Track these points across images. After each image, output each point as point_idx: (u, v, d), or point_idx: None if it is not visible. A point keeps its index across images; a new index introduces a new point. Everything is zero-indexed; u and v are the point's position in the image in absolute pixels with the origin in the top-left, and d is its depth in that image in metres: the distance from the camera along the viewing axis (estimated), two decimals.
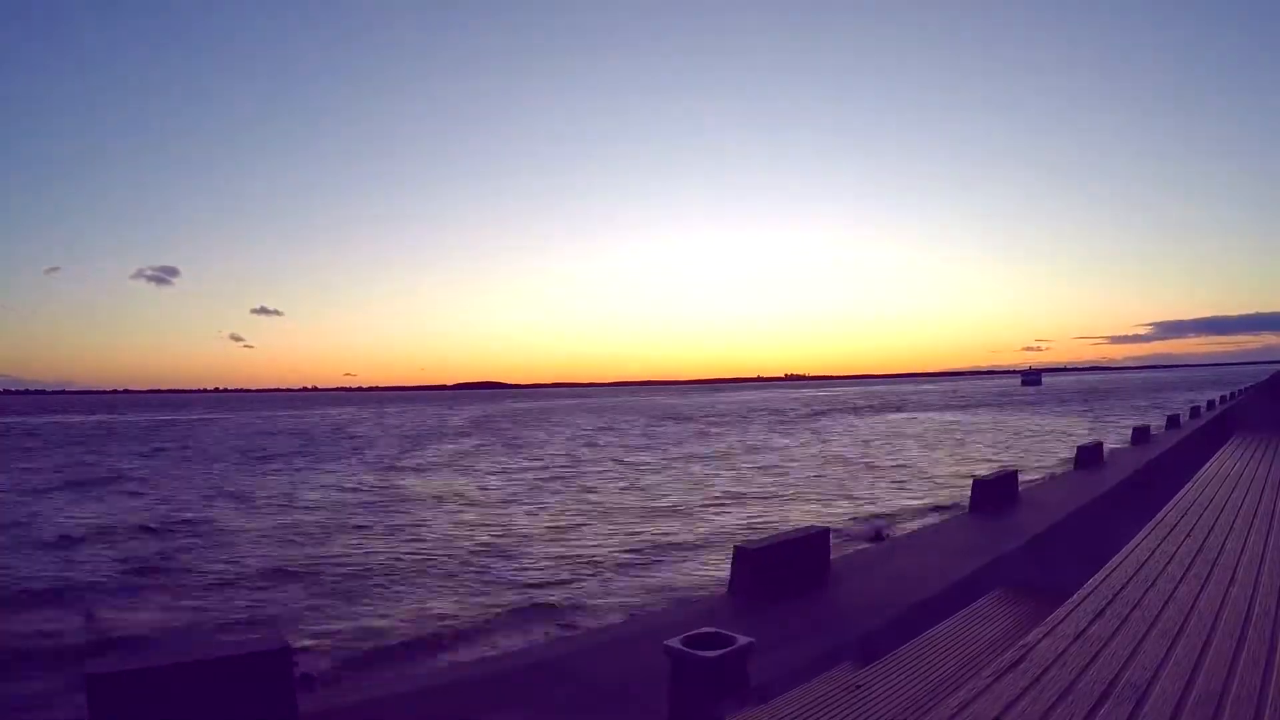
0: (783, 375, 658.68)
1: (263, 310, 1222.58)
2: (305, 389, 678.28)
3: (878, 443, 37.79)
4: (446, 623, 9.86)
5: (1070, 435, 36.92)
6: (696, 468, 28.54)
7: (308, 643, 9.00)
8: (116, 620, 10.30)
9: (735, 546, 8.52)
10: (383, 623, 9.90)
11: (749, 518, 17.57)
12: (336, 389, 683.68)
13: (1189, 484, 8.25)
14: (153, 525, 17.58)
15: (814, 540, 8.81)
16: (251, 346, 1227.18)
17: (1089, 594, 4.17)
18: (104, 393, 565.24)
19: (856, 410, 74.58)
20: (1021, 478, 14.60)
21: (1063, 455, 26.28)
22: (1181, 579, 4.46)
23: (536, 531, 16.37)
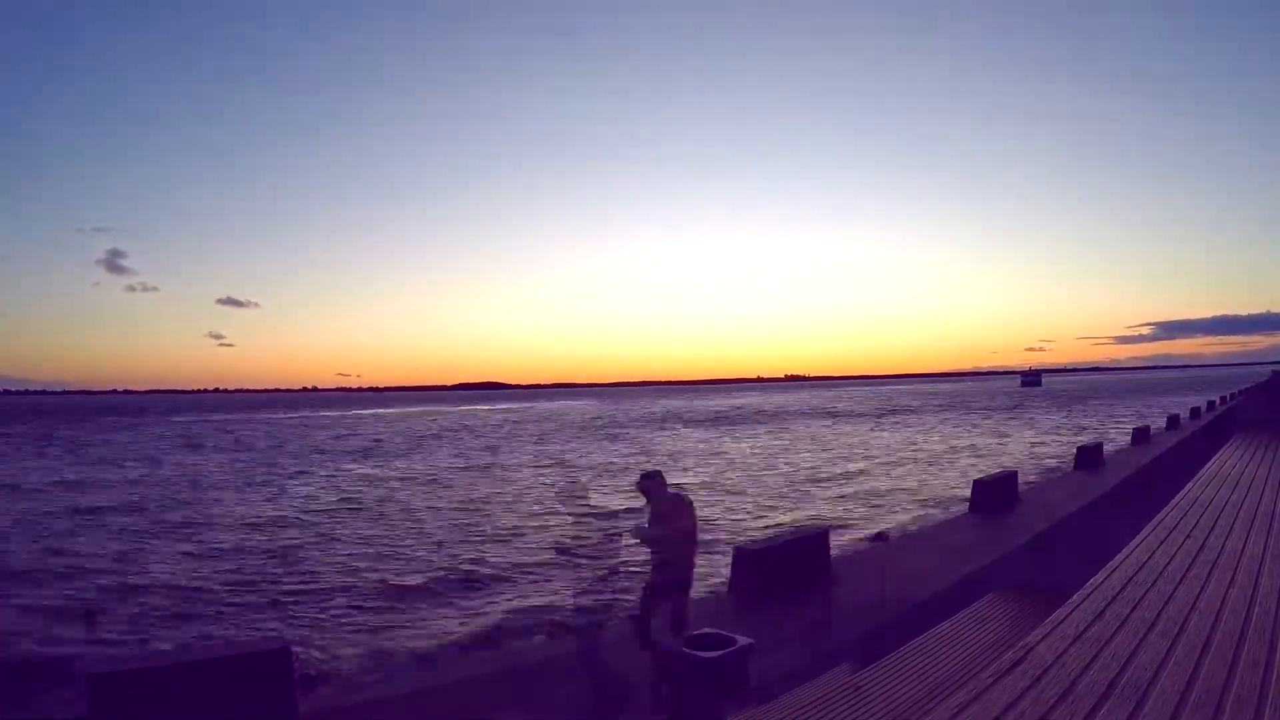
0: (783, 376, 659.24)
1: (231, 301, 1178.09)
2: (305, 389, 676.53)
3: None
4: None
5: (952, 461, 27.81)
6: None
7: None
8: None
9: (735, 547, 8.53)
10: None
11: None
12: (336, 389, 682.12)
13: (1189, 484, 8.26)
14: None
15: (814, 540, 8.81)
16: (231, 345, 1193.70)
17: (1089, 594, 4.18)
18: (103, 393, 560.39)
19: (731, 421, 61.20)
20: (1021, 477, 14.61)
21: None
22: (1181, 580, 4.46)
23: None
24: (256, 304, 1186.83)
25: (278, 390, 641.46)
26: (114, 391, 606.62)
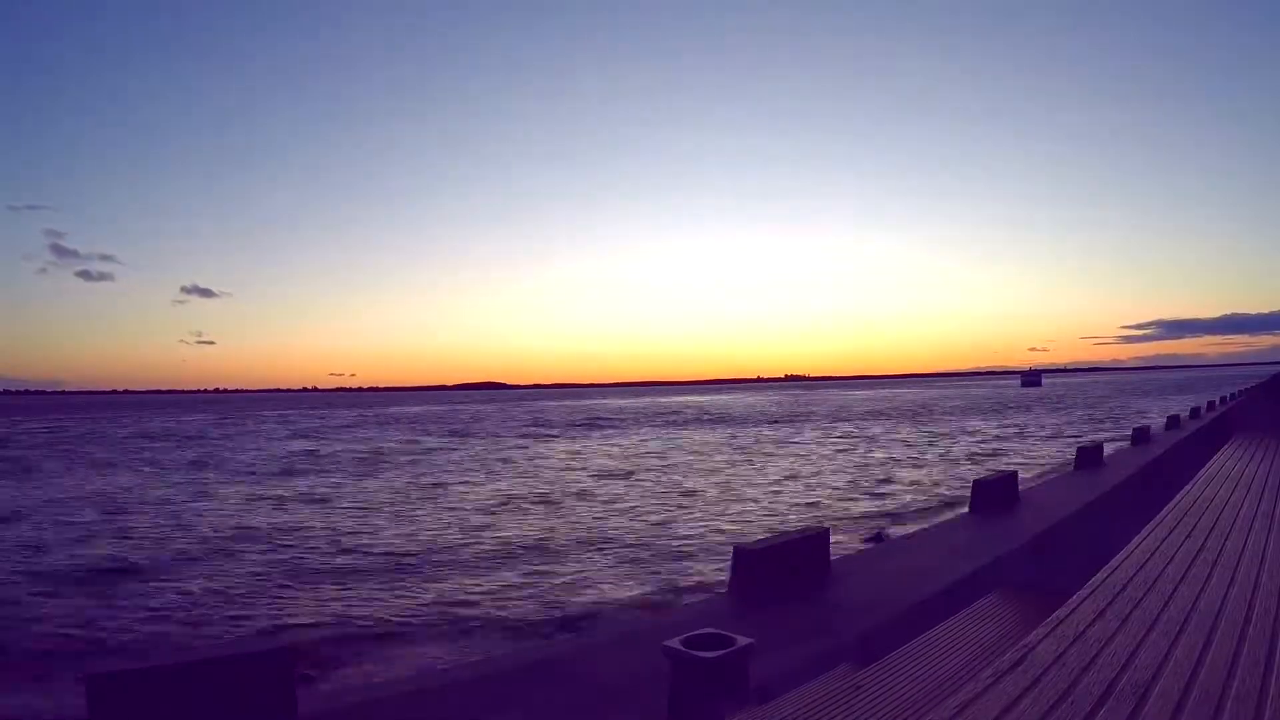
0: (783, 376, 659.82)
1: (198, 289, 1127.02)
2: (305, 389, 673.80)
3: None
4: None
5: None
6: None
7: None
8: None
9: (735, 547, 8.53)
10: None
11: None
12: (337, 389, 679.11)
13: (1189, 484, 8.26)
14: None
15: (814, 540, 8.81)
16: (212, 342, 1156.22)
17: (1089, 594, 4.18)
18: (102, 393, 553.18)
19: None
20: (1021, 477, 14.61)
21: None
22: (1182, 579, 4.46)
23: None
24: (230, 294, 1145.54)
25: (276, 390, 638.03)
26: (114, 392, 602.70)
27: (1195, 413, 33.26)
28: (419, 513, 19.52)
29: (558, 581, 12.10)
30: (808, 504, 19.83)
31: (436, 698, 5.64)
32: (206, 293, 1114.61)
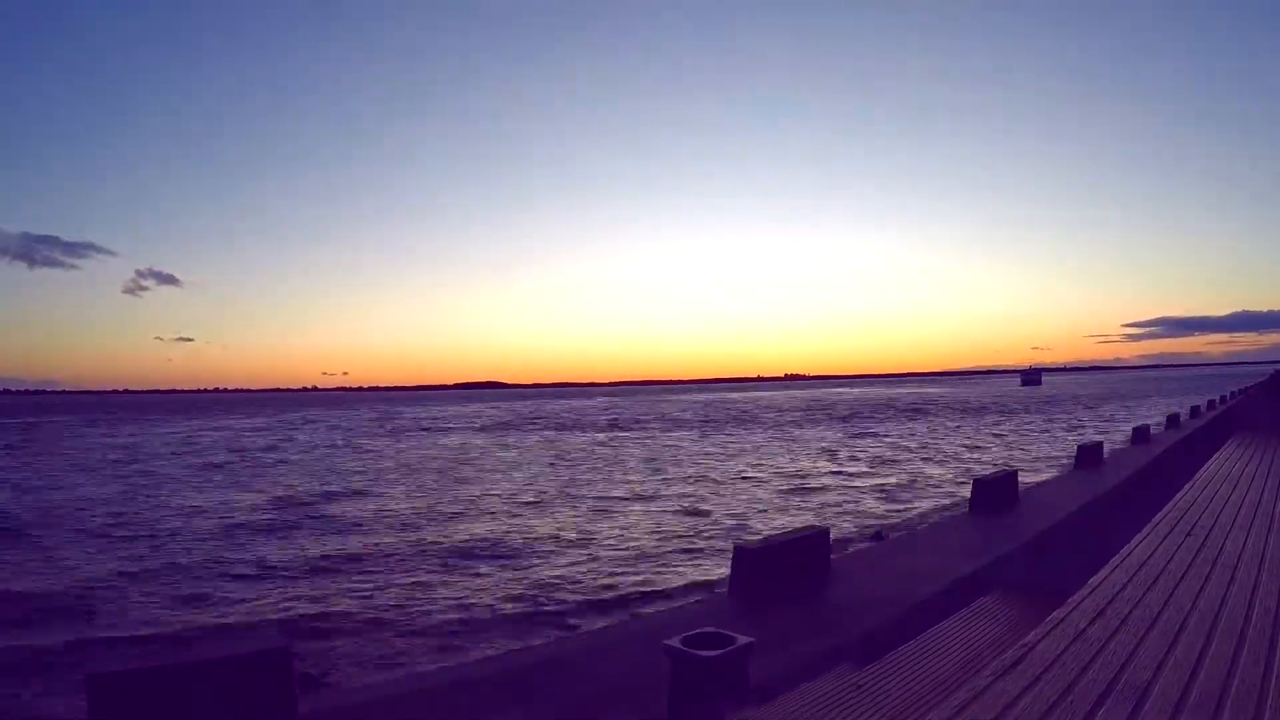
0: (783, 375, 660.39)
1: (153, 274, 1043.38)
2: (306, 389, 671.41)
3: None
4: None
5: None
6: None
7: None
8: None
9: (735, 546, 8.53)
10: None
11: None
12: (337, 389, 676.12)
13: (1189, 484, 8.26)
14: None
15: (814, 540, 8.81)
16: (191, 339, 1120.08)
17: (1089, 594, 4.18)
18: (102, 393, 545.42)
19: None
20: (1021, 477, 14.62)
21: None
22: (1181, 579, 4.46)
23: None
24: (202, 284, 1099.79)
25: (278, 390, 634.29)
26: (114, 391, 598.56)
27: (1195, 412, 33.27)
28: None
29: None
30: None
31: (436, 698, 5.64)
32: (170, 279, 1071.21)
